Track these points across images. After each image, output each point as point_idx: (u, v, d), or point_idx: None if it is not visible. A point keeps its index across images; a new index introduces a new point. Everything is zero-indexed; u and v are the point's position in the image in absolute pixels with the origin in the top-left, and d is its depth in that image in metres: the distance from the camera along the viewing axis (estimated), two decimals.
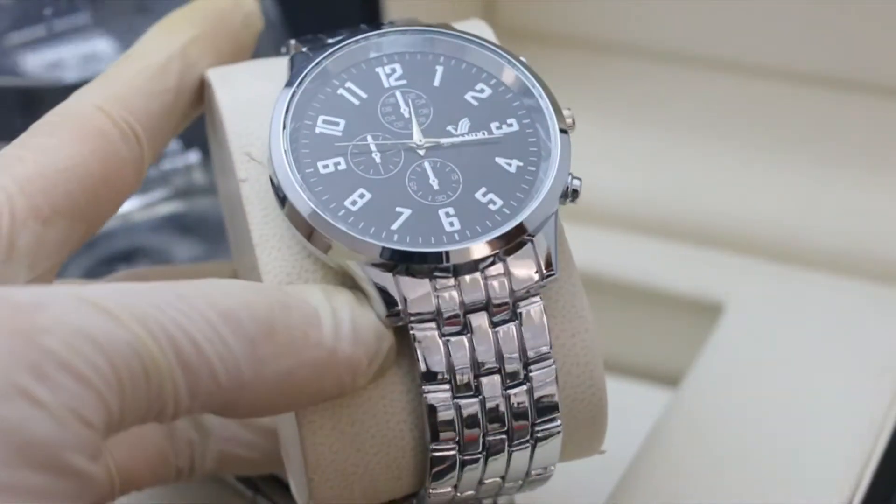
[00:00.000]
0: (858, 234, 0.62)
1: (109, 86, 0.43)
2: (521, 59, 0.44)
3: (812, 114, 0.68)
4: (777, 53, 0.69)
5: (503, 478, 0.42)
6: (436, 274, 0.40)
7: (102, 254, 0.63)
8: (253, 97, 0.44)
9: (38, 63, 0.59)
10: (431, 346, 0.40)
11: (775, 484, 0.51)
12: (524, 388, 0.40)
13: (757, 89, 0.69)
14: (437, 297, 0.40)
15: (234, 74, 0.45)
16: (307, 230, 0.40)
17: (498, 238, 0.40)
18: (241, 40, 0.46)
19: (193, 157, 0.60)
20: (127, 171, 0.43)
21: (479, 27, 0.47)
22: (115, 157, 0.42)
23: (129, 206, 0.60)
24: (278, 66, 0.44)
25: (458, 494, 0.42)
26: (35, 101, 0.58)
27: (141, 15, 0.62)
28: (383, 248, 0.40)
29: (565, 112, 0.43)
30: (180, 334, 0.35)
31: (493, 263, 0.40)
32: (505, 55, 0.44)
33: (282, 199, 0.41)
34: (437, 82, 0.43)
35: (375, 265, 0.40)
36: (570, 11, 0.72)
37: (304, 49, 0.43)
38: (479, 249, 0.40)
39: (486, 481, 0.42)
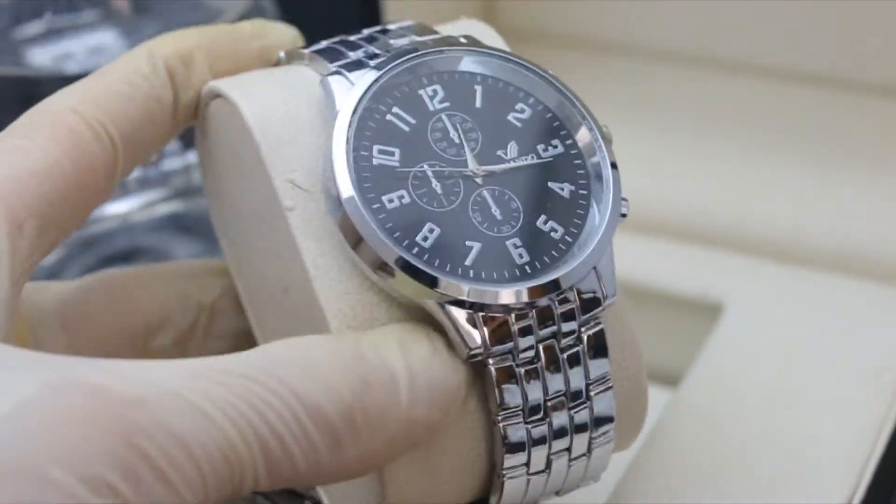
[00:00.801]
0: (858, 234, 0.62)
1: (88, 89, 0.43)
2: (550, 72, 0.44)
3: (812, 114, 0.68)
4: (777, 53, 0.69)
5: (559, 492, 0.43)
6: (511, 306, 0.40)
7: (102, 254, 0.63)
8: (282, 116, 0.42)
9: (43, 56, 0.59)
10: (508, 381, 0.40)
11: (775, 484, 0.51)
12: (586, 406, 0.41)
13: (757, 89, 0.69)
14: (515, 332, 0.40)
15: (250, 87, 0.43)
16: (381, 265, 0.40)
17: (569, 273, 0.40)
18: (251, 60, 0.45)
19: (193, 157, 0.60)
20: (99, 173, 0.42)
21: (482, 30, 0.46)
22: (87, 157, 0.41)
23: (129, 205, 0.60)
24: (294, 77, 0.44)
25: None
26: (37, 93, 0.58)
27: (145, 12, 0.62)
28: (462, 289, 0.39)
29: (604, 130, 0.43)
30: (266, 429, 0.36)
31: (563, 293, 0.40)
32: (537, 70, 0.44)
33: (356, 240, 0.40)
34: (478, 104, 0.43)
35: (453, 303, 0.39)
36: (571, 11, 0.72)
37: (333, 67, 0.42)
38: (553, 285, 0.40)
39: (546, 496, 0.43)
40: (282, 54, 0.45)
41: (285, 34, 0.46)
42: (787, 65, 0.69)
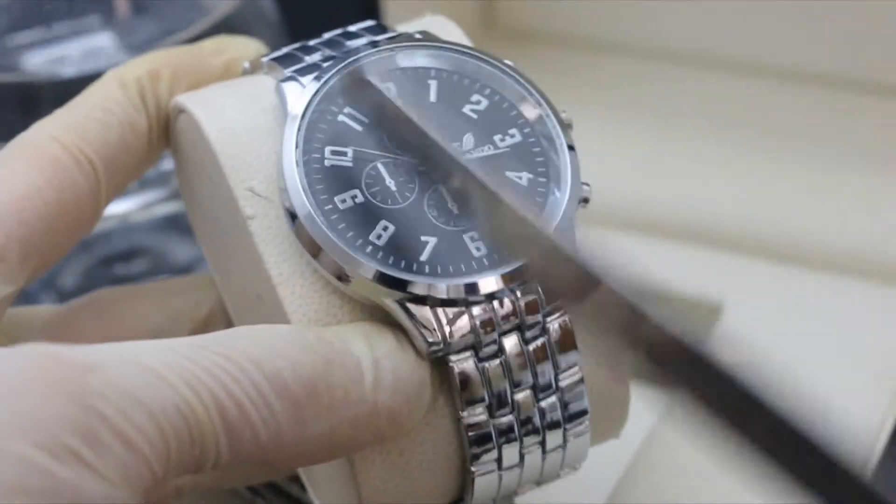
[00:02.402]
0: (858, 234, 0.62)
1: (66, 117, 0.43)
2: (507, 62, 0.44)
3: (812, 114, 0.68)
4: (777, 53, 0.69)
5: (538, 482, 0.43)
6: (470, 300, 0.40)
7: (101, 254, 0.62)
8: (240, 126, 0.43)
9: (39, 60, 0.59)
10: (471, 374, 0.40)
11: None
12: (555, 397, 0.41)
13: (757, 89, 0.69)
14: (476, 326, 0.40)
15: (210, 100, 0.44)
16: (340, 274, 0.40)
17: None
18: (216, 75, 0.45)
19: None
20: (84, 200, 0.42)
21: (443, 25, 0.46)
22: (70, 186, 0.42)
23: (128, 206, 0.60)
24: (252, 86, 0.44)
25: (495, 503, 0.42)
26: (34, 97, 0.58)
27: (142, 13, 0.62)
28: (418, 284, 0.39)
29: (563, 115, 0.43)
30: (226, 396, 0.35)
31: (524, 284, 0.40)
32: (493, 61, 0.43)
33: (314, 251, 0.40)
34: (433, 97, 0.43)
35: (412, 300, 0.39)
36: (570, 11, 0.72)
37: (288, 73, 0.43)
38: (513, 276, 0.40)
39: (522, 487, 0.42)
40: (246, 65, 0.45)
41: (248, 46, 0.47)
42: (787, 65, 0.69)
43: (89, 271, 0.62)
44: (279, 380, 0.36)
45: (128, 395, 0.34)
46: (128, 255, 0.63)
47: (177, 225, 0.63)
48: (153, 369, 0.35)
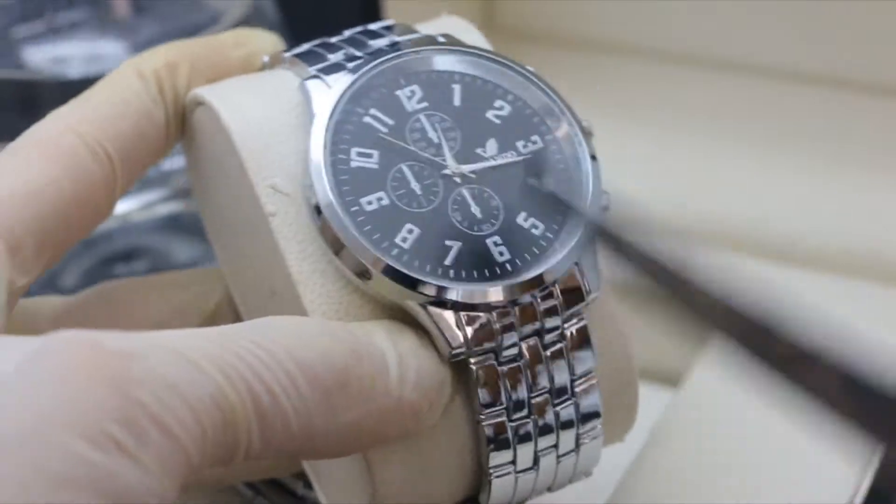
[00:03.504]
0: (858, 234, 0.62)
1: (82, 107, 0.43)
2: (529, 69, 0.44)
3: (813, 114, 0.68)
4: (778, 53, 0.69)
5: (550, 487, 0.43)
6: (493, 304, 0.40)
7: (102, 254, 0.63)
8: (262, 122, 0.42)
9: (42, 59, 0.59)
10: (491, 378, 0.40)
11: (776, 484, 0.51)
12: (571, 402, 0.41)
13: (757, 89, 0.69)
14: (497, 330, 0.40)
15: (231, 94, 0.43)
16: (362, 271, 0.40)
17: (550, 269, 0.41)
18: (235, 68, 0.45)
19: None
20: (98, 191, 0.42)
21: (462, 27, 0.46)
22: (86, 177, 0.42)
23: (129, 206, 0.60)
24: (274, 82, 0.44)
25: None
26: (36, 96, 0.58)
27: (144, 14, 0.62)
28: (442, 288, 0.40)
29: (585, 123, 0.43)
30: (259, 385, 0.36)
31: (545, 290, 0.41)
32: (515, 67, 0.44)
33: (337, 247, 0.40)
34: (457, 102, 0.43)
35: (434, 303, 0.40)
36: (570, 11, 0.72)
37: (312, 71, 0.42)
38: (534, 282, 0.40)
39: (536, 493, 0.43)
40: (266, 59, 0.45)
41: (266, 40, 0.46)
42: (787, 65, 0.69)
43: (90, 271, 0.62)
44: (310, 368, 0.37)
45: (167, 383, 0.34)
46: (128, 254, 0.63)
47: (178, 225, 0.63)
48: (189, 358, 0.35)
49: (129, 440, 0.33)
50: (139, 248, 0.63)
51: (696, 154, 0.67)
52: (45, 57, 0.59)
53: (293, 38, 0.47)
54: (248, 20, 0.59)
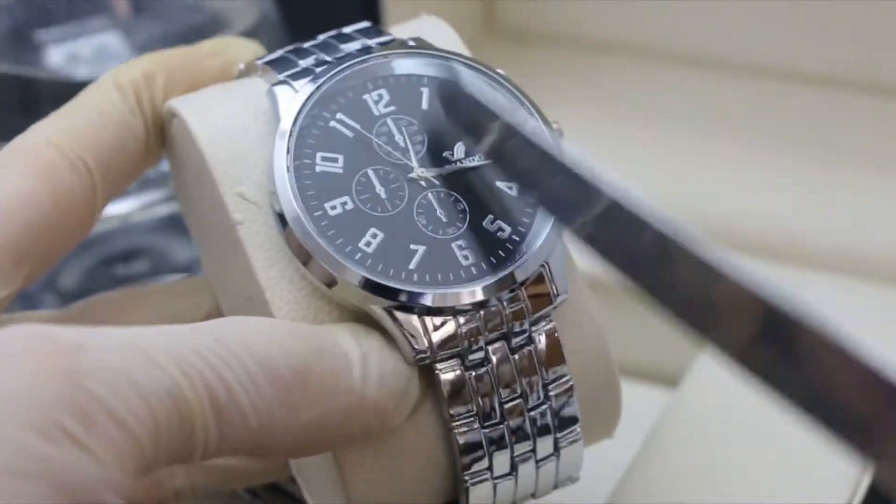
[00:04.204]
0: (858, 234, 0.62)
1: (60, 120, 0.43)
2: (500, 71, 0.44)
3: (812, 114, 0.68)
4: (777, 53, 0.69)
5: (534, 494, 0.43)
6: (458, 309, 0.40)
7: (101, 254, 0.63)
8: (230, 130, 0.43)
9: (47, 58, 0.59)
10: (457, 382, 0.40)
11: (775, 484, 0.51)
12: (545, 406, 0.41)
13: (757, 89, 0.69)
14: (462, 335, 0.40)
15: (202, 104, 0.44)
16: (330, 281, 0.40)
17: (515, 271, 0.41)
18: (212, 77, 0.45)
19: None
20: (78, 204, 0.42)
21: (437, 27, 0.46)
22: (65, 189, 0.42)
23: (129, 206, 0.60)
24: (245, 89, 0.44)
25: None
26: (41, 95, 0.58)
27: (146, 15, 0.62)
28: (405, 292, 0.40)
29: (554, 125, 0.43)
30: (216, 380, 0.35)
31: (511, 293, 0.40)
32: (485, 70, 0.44)
33: (305, 256, 0.40)
34: (424, 105, 0.43)
35: (399, 308, 0.40)
36: (570, 11, 0.72)
37: (281, 77, 0.43)
38: (499, 286, 0.40)
39: (519, 496, 0.42)
40: (241, 66, 0.45)
41: (245, 48, 0.47)
42: (787, 65, 0.69)
43: (89, 272, 0.62)
44: (270, 365, 0.37)
45: (119, 375, 0.34)
46: (128, 255, 0.63)
47: (177, 225, 0.63)
48: (144, 350, 0.35)
49: (81, 430, 0.33)
50: (139, 249, 0.63)
51: (694, 154, 0.67)
52: (50, 57, 0.59)
53: (294, 39, 0.47)
54: (250, 20, 0.59)
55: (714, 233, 0.63)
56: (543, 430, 0.41)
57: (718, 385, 0.55)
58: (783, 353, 0.33)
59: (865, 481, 0.51)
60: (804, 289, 0.59)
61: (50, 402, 0.32)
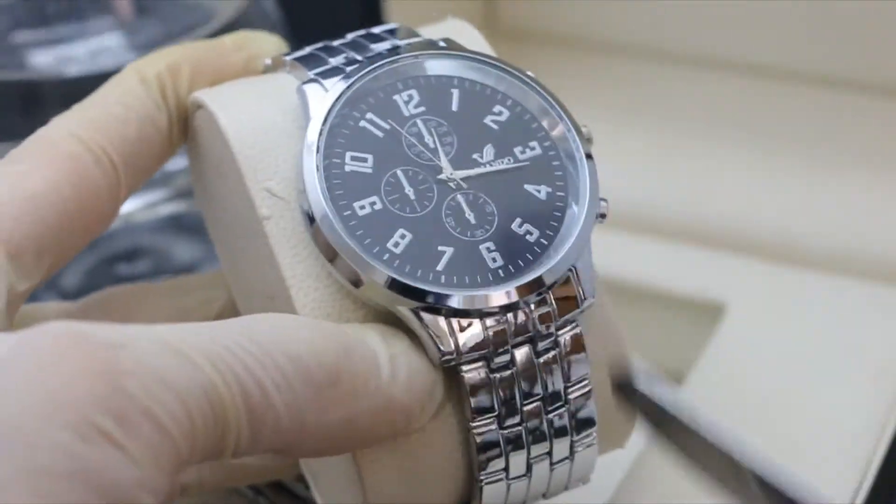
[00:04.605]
0: (858, 235, 0.62)
1: (84, 112, 0.43)
2: (529, 73, 0.44)
3: (812, 114, 0.68)
4: (777, 53, 0.69)
5: (545, 494, 0.43)
6: (484, 311, 0.40)
7: (104, 254, 0.63)
8: (259, 125, 0.42)
9: (45, 59, 0.59)
10: (481, 385, 0.40)
11: None
12: (564, 409, 0.41)
13: (757, 89, 0.69)
14: (488, 337, 0.40)
15: (229, 98, 0.43)
16: (356, 280, 0.40)
17: (544, 275, 0.40)
18: (236, 71, 0.45)
19: None
20: (102, 197, 0.42)
21: (465, 30, 0.46)
22: (88, 182, 0.41)
23: (131, 206, 0.60)
24: (273, 85, 0.44)
25: None
26: (39, 97, 0.58)
27: (147, 14, 0.62)
28: (433, 294, 0.39)
29: (584, 130, 0.43)
30: (249, 379, 0.35)
31: (538, 296, 0.40)
32: (515, 72, 0.43)
33: (331, 256, 0.40)
34: (455, 107, 0.43)
35: (426, 309, 0.40)
36: (571, 11, 0.72)
37: (311, 74, 0.42)
38: (528, 289, 0.40)
39: (531, 499, 0.42)
40: (268, 62, 0.45)
41: (268, 42, 0.46)
42: (787, 65, 0.69)
43: (92, 271, 0.62)
44: (301, 364, 0.36)
45: (156, 374, 0.34)
46: (131, 254, 0.63)
47: (180, 225, 0.63)
48: (179, 350, 0.35)
49: (118, 431, 0.33)
50: (141, 249, 0.63)
51: (695, 154, 0.67)
52: (48, 58, 0.59)
53: (293, 39, 0.47)
54: (251, 21, 0.59)
55: (714, 233, 0.63)
56: (560, 433, 0.41)
57: (720, 386, 0.55)
58: None
59: (867, 482, 0.51)
60: (804, 289, 0.60)
61: (87, 402, 0.32)
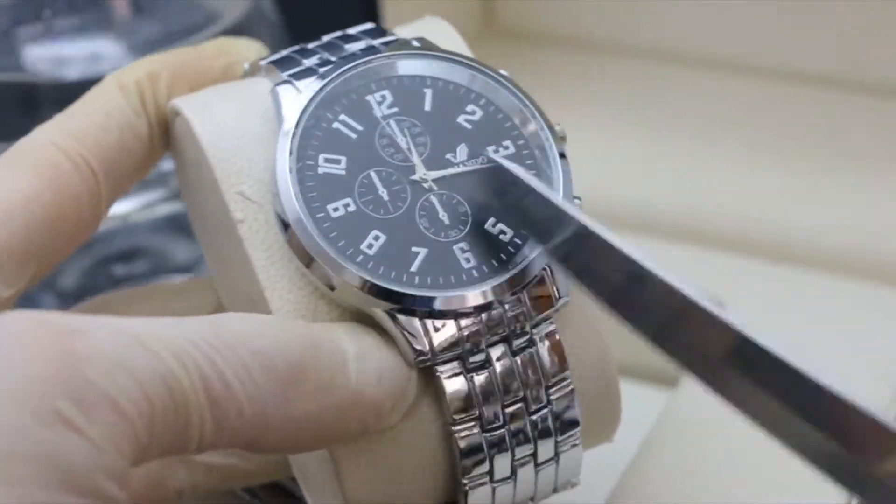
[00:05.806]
0: (858, 235, 0.62)
1: (65, 121, 0.43)
2: (502, 72, 0.44)
3: (812, 114, 0.68)
4: (777, 53, 0.69)
5: (533, 498, 0.43)
6: (459, 311, 0.40)
7: (101, 254, 0.63)
8: (233, 129, 0.43)
9: (42, 60, 0.59)
10: (458, 385, 0.40)
11: (775, 484, 0.51)
12: (546, 410, 0.41)
13: (757, 89, 0.69)
14: (463, 337, 0.40)
15: (205, 103, 0.44)
16: (331, 283, 0.40)
17: (518, 274, 0.40)
18: (216, 77, 0.45)
19: None
20: (83, 204, 0.42)
21: (441, 28, 0.46)
22: (69, 190, 0.42)
23: (128, 206, 0.60)
24: (249, 89, 0.44)
25: None
26: (35, 98, 0.58)
27: (144, 15, 0.62)
28: (407, 296, 0.39)
29: (557, 128, 0.43)
30: (212, 371, 0.36)
31: (513, 296, 0.40)
32: (488, 72, 0.43)
33: (307, 259, 0.40)
34: (427, 107, 0.43)
35: (400, 311, 0.40)
36: (570, 11, 0.72)
37: (284, 76, 0.43)
38: (502, 289, 0.40)
39: (517, 500, 0.42)
40: (246, 66, 0.45)
41: (249, 48, 0.47)
42: (787, 65, 0.69)
43: (89, 271, 0.62)
44: (265, 357, 0.37)
45: (114, 360, 0.34)
46: (128, 255, 0.63)
47: (177, 225, 0.63)
48: (139, 338, 0.35)
49: (77, 414, 0.33)
50: (138, 249, 0.63)
51: (694, 153, 0.67)
52: (45, 59, 0.59)
53: (293, 39, 0.47)
54: (248, 21, 0.59)
55: (714, 233, 0.63)
56: (544, 434, 0.41)
57: None
58: (750, 377, 0.34)
59: None
60: (803, 289, 0.60)
61: (46, 387, 0.33)
